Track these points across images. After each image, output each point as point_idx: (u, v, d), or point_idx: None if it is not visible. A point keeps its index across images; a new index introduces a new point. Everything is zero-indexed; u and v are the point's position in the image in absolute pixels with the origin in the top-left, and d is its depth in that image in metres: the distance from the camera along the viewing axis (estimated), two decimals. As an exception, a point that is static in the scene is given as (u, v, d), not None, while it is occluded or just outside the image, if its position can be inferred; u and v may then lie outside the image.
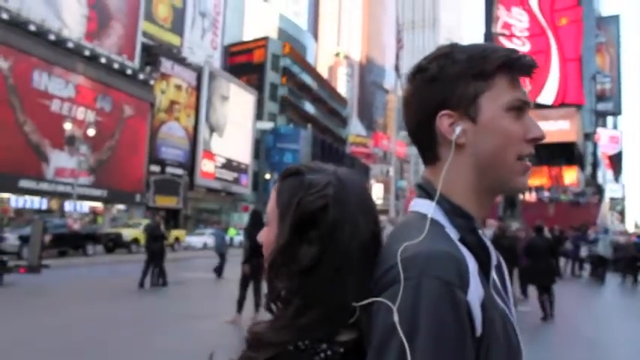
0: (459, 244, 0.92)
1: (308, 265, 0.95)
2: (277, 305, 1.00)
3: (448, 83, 0.98)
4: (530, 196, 39.45)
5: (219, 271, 16.88)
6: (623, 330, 10.48)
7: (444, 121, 0.98)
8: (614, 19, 56.07)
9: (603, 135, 58.86)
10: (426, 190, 1.02)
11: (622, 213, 60.03)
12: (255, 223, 9.57)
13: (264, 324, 1.00)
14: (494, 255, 0.99)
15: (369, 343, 0.88)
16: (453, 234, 0.95)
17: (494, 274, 0.98)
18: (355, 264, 0.96)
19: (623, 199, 60.75)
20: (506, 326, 0.94)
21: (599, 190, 45.30)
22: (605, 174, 48.56)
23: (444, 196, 0.98)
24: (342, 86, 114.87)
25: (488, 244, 0.98)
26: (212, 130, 48.94)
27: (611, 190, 52.32)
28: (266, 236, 1.06)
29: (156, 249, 14.05)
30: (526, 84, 1.02)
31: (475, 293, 0.86)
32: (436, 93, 0.99)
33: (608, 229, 22.22)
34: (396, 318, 0.82)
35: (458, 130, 0.97)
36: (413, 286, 0.84)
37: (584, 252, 21.68)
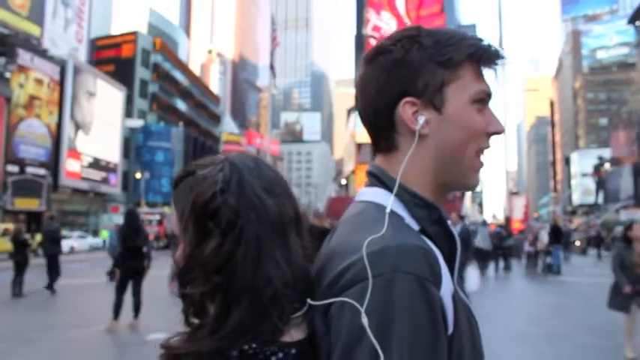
0: (422, 236, 0.86)
1: (220, 259, 0.86)
2: (195, 315, 0.90)
3: (413, 69, 0.91)
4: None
5: (112, 274, 16.16)
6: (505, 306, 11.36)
7: (407, 109, 0.91)
8: (472, 28, 60.49)
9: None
10: (380, 179, 0.94)
11: (481, 205, 64.94)
12: (129, 224, 9.18)
13: (182, 336, 0.89)
14: (459, 245, 0.91)
15: (331, 347, 0.79)
16: (413, 225, 0.89)
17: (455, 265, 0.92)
18: (273, 245, 0.88)
19: (481, 192, 65.71)
20: (470, 320, 0.89)
21: (461, 186, 48.59)
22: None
23: (402, 187, 0.91)
24: (215, 84, 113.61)
25: (455, 234, 0.92)
26: (77, 127, 46.24)
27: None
28: (178, 255, 0.95)
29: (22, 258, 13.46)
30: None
31: (447, 288, 0.81)
32: (399, 78, 0.91)
33: (485, 222, 23.59)
34: (364, 320, 0.74)
35: (422, 119, 0.90)
36: (383, 284, 0.75)
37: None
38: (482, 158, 0.95)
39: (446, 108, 0.91)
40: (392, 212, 0.88)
